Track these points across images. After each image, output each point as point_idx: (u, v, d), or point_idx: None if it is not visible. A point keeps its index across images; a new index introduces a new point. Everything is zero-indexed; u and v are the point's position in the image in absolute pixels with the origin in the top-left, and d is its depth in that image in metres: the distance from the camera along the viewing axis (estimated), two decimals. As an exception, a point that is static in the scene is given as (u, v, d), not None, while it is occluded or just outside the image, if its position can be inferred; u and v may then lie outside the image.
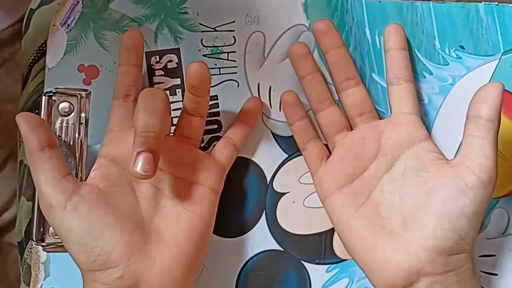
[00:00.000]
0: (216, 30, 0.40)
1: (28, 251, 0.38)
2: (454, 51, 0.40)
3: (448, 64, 0.40)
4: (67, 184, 0.32)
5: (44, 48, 0.39)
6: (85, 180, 0.35)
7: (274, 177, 0.40)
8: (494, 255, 0.39)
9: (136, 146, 0.30)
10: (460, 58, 0.40)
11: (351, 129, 0.38)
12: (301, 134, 0.39)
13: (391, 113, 0.38)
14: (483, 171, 0.32)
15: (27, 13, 0.40)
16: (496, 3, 0.39)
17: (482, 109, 0.33)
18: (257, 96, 0.40)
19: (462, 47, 0.39)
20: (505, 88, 0.38)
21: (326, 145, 0.39)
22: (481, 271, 0.39)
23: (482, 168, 0.32)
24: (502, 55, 0.39)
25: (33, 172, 0.32)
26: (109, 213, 0.32)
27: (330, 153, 0.39)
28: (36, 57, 0.39)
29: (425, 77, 0.39)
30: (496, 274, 0.39)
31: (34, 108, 0.40)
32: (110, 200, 0.33)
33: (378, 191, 0.36)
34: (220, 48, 0.39)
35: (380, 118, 0.39)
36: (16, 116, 0.31)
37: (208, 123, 0.39)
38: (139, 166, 0.30)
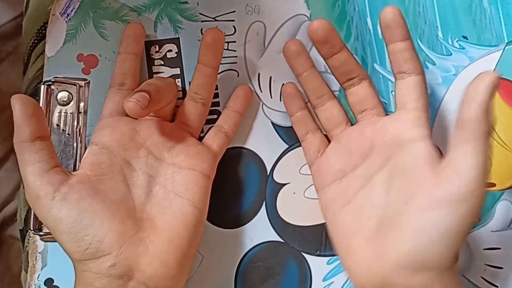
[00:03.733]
0: (216, 20, 0.39)
1: (27, 240, 0.38)
2: (457, 41, 0.39)
3: (451, 54, 0.39)
4: (55, 175, 0.31)
5: (43, 32, 0.39)
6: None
7: (274, 168, 0.40)
8: (499, 248, 0.39)
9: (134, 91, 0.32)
10: (464, 48, 0.39)
11: (351, 125, 0.38)
12: (300, 125, 0.39)
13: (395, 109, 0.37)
14: (464, 183, 0.28)
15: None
16: (500, -7, 0.39)
17: (468, 109, 0.28)
18: (258, 86, 0.40)
19: (465, 37, 0.39)
20: (510, 78, 0.39)
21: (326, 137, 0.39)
22: (486, 264, 0.39)
23: (463, 179, 0.28)
24: (506, 46, 0.39)
25: (20, 162, 0.31)
26: (99, 201, 0.32)
27: None
28: (35, 41, 0.39)
29: (428, 68, 0.39)
30: (502, 268, 0.39)
31: (34, 95, 0.40)
32: (100, 188, 0.33)
33: (366, 191, 0.34)
34: (220, 38, 0.39)
35: (385, 110, 0.38)
36: (11, 97, 0.30)
37: (208, 113, 0.39)
38: (132, 97, 0.31)
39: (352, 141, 0.36)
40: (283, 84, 0.40)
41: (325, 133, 0.39)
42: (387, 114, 0.37)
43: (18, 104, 0.30)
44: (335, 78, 0.37)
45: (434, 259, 0.29)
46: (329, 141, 0.39)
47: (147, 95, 0.32)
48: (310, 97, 0.38)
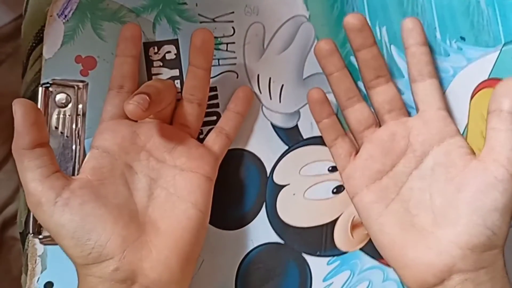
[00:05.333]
0: (215, 21, 0.39)
1: (27, 243, 0.38)
2: (455, 42, 0.39)
3: (449, 55, 0.39)
4: (56, 181, 0.31)
5: (41, 34, 0.38)
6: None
7: (274, 169, 0.40)
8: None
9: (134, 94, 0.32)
10: (461, 49, 0.39)
11: (380, 126, 0.38)
12: (329, 131, 0.38)
13: (417, 110, 0.37)
14: (511, 163, 0.32)
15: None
16: (497, -6, 0.39)
17: (504, 102, 0.33)
18: (257, 87, 0.40)
19: (463, 38, 0.39)
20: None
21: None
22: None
23: (510, 160, 0.32)
24: (503, 47, 0.39)
25: (20, 168, 0.31)
26: (101, 206, 0.32)
27: (358, 149, 0.38)
28: (34, 44, 0.39)
29: (426, 68, 0.39)
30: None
31: (33, 98, 0.39)
32: (102, 193, 0.33)
33: (407, 188, 0.36)
34: (219, 39, 0.39)
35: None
36: (13, 102, 0.30)
37: (207, 114, 0.39)
38: (132, 99, 0.31)
39: (386, 141, 0.37)
40: (282, 85, 0.39)
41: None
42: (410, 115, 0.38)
43: (20, 110, 0.30)
44: (362, 75, 0.38)
45: (497, 236, 0.32)
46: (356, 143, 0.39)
47: (147, 97, 0.31)
48: (340, 98, 0.38)
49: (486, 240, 0.32)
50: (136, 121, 0.36)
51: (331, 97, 0.38)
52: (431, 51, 0.39)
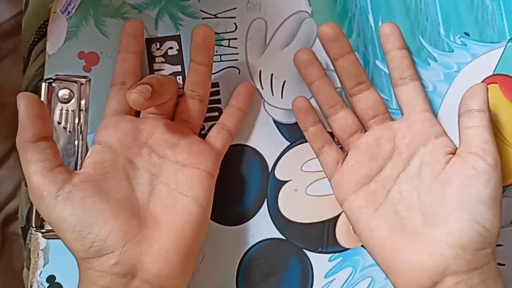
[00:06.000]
0: (217, 17, 0.39)
1: (29, 237, 0.39)
2: (459, 38, 0.39)
3: (453, 51, 0.39)
4: (58, 174, 0.32)
5: (43, 30, 0.39)
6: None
7: (276, 165, 0.40)
8: (502, 245, 0.39)
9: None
10: (465, 45, 0.39)
11: (365, 131, 0.38)
12: (315, 140, 0.38)
13: (402, 113, 0.38)
14: (487, 154, 0.33)
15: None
16: (502, -11, 0.39)
17: (472, 103, 0.35)
18: (259, 83, 0.40)
19: (467, 34, 0.39)
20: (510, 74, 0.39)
21: (341, 147, 0.39)
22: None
23: (485, 151, 0.33)
24: (508, 42, 0.39)
25: (23, 161, 0.31)
26: (103, 200, 0.32)
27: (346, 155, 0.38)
28: (35, 39, 0.39)
29: (429, 64, 0.39)
30: (504, 265, 0.39)
31: (35, 93, 0.40)
32: (104, 187, 0.33)
33: (395, 191, 0.36)
34: (221, 35, 0.39)
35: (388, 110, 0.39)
36: (17, 96, 0.30)
37: (209, 110, 0.39)
38: (135, 89, 0.31)
39: (371, 146, 0.37)
40: (284, 81, 0.40)
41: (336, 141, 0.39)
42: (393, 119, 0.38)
43: (24, 104, 0.30)
44: (342, 84, 0.38)
45: (489, 232, 0.32)
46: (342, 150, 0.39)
47: (150, 87, 0.32)
48: (322, 106, 0.38)
49: (478, 237, 0.32)
50: (139, 117, 0.37)
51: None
52: (435, 45, 0.39)
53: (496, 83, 0.39)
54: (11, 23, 0.75)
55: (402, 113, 0.38)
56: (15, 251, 0.75)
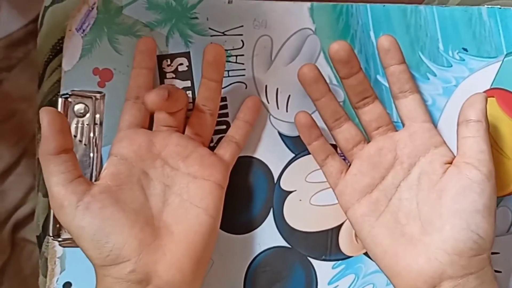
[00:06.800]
0: (225, 34, 0.40)
1: (46, 246, 0.40)
2: (457, 53, 0.40)
3: (451, 66, 0.40)
4: (78, 185, 0.33)
5: (58, 47, 0.40)
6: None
7: (281, 176, 0.40)
8: (498, 253, 0.40)
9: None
10: (464, 60, 0.40)
11: (368, 142, 0.39)
12: (318, 152, 0.39)
13: (403, 125, 0.38)
14: (482, 164, 0.34)
15: (42, 10, 0.41)
16: (499, 6, 0.40)
17: (469, 113, 0.35)
18: (265, 97, 0.41)
19: (465, 49, 0.40)
20: (509, 89, 0.40)
21: (344, 158, 0.40)
22: (485, 268, 0.40)
23: (480, 162, 0.34)
24: (505, 57, 0.40)
25: (45, 173, 0.33)
26: (120, 210, 0.33)
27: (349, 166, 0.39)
28: (50, 56, 0.40)
29: (429, 79, 0.40)
30: (500, 272, 0.40)
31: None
32: (120, 198, 0.34)
33: (396, 199, 0.36)
34: (228, 51, 0.40)
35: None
36: (40, 110, 0.32)
37: (217, 123, 0.40)
38: (152, 91, 0.32)
39: (374, 156, 0.37)
40: (289, 95, 0.40)
41: (339, 152, 0.40)
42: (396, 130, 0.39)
43: (46, 118, 0.32)
44: (349, 98, 0.38)
45: (484, 240, 0.33)
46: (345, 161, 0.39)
47: (166, 90, 0.33)
48: (327, 120, 0.39)
49: (472, 244, 0.33)
50: (152, 130, 0.38)
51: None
52: (434, 61, 0.40)
53: (493, 97, 0.40)
54: (21, 33, 0.75)
55: (403, 125, 0.38)
56: (24, 256, 0.75)
